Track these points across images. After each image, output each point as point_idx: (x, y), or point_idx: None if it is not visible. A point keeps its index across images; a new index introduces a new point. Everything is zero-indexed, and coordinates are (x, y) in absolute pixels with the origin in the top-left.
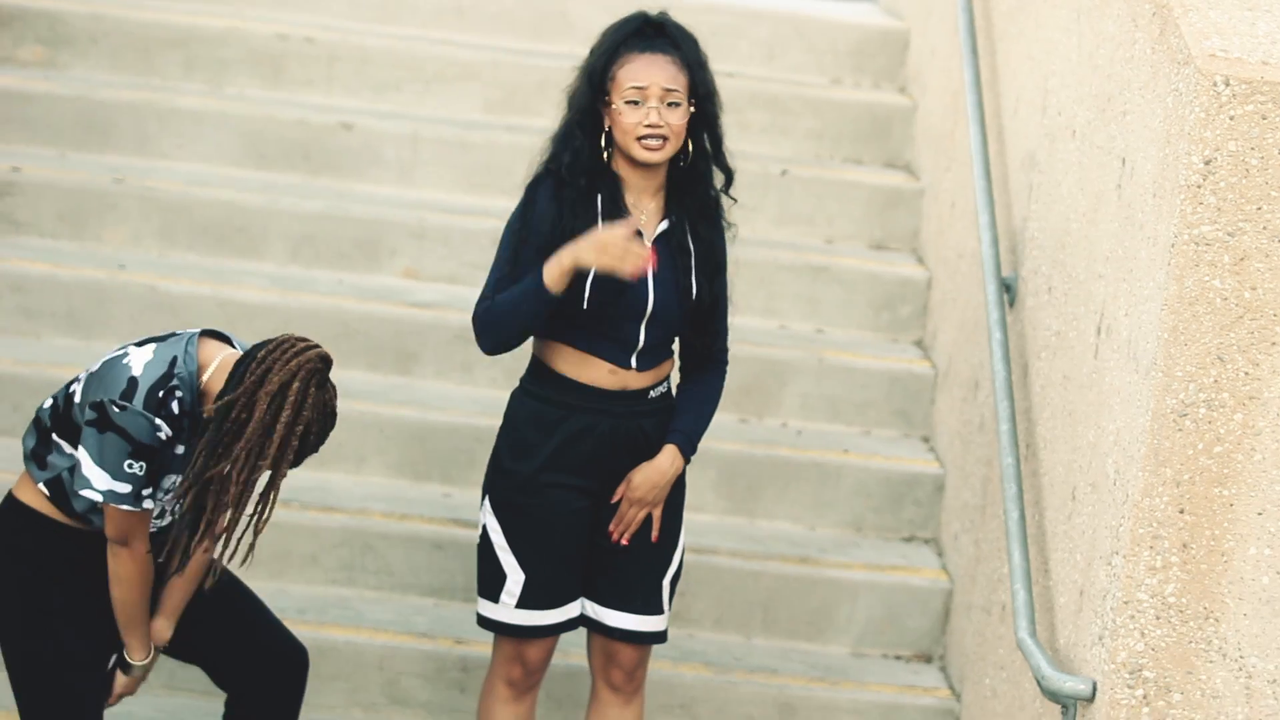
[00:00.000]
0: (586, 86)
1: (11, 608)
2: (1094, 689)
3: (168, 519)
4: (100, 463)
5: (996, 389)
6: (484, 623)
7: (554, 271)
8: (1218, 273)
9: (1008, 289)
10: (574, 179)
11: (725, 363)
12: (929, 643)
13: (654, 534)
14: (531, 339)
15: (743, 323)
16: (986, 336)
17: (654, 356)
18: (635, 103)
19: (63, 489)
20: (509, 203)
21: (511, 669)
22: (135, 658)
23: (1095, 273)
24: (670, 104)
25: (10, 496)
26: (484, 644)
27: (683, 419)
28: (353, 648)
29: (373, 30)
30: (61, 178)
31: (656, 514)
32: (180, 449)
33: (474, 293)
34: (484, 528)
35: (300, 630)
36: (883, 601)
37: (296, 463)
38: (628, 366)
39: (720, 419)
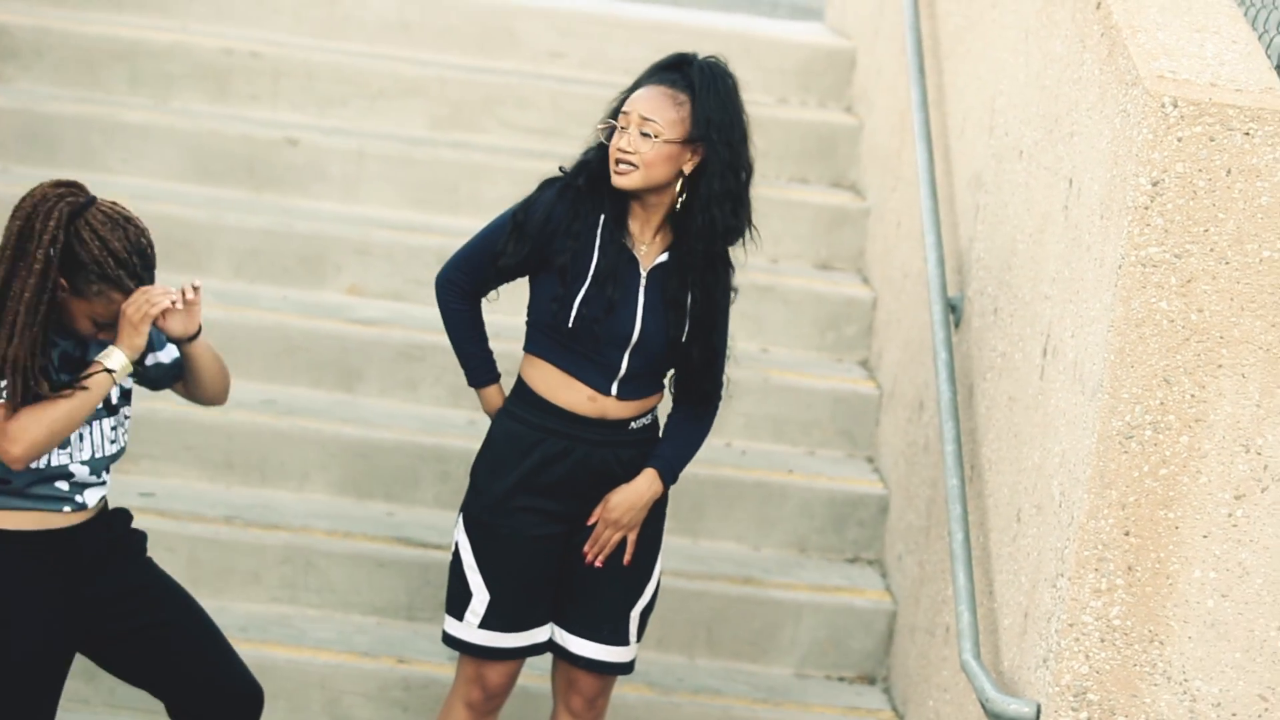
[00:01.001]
0: (613, 108)
1: None
2: (1038, 712)
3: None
4: None
5: (941, 410)
6: (447, 640)
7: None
8: (1165, 294)
9: (953, 309)
10: (577, 183)
11: (718, 402)
12: (873, 664)
13: (627, 557)
14: (521, 358)
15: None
16: (932, 357)
17: (637, 386)
18: (620, 128)
19: None
20: (453, 219)
21: (471, 691)
22: (115, 368)
23: (1041, 294)
24: (643, 133)
25: None
26: (426, 663)
27: (666, 445)
28: (294, 666)
29: (319, 45)
30: (5, 191)
31: (631, 538)
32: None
33: (418, 310)
34: (455, 544)
35: (242, 648)
36: (826, 623)
37: (130, 283)
38: (608, 393)
39: None
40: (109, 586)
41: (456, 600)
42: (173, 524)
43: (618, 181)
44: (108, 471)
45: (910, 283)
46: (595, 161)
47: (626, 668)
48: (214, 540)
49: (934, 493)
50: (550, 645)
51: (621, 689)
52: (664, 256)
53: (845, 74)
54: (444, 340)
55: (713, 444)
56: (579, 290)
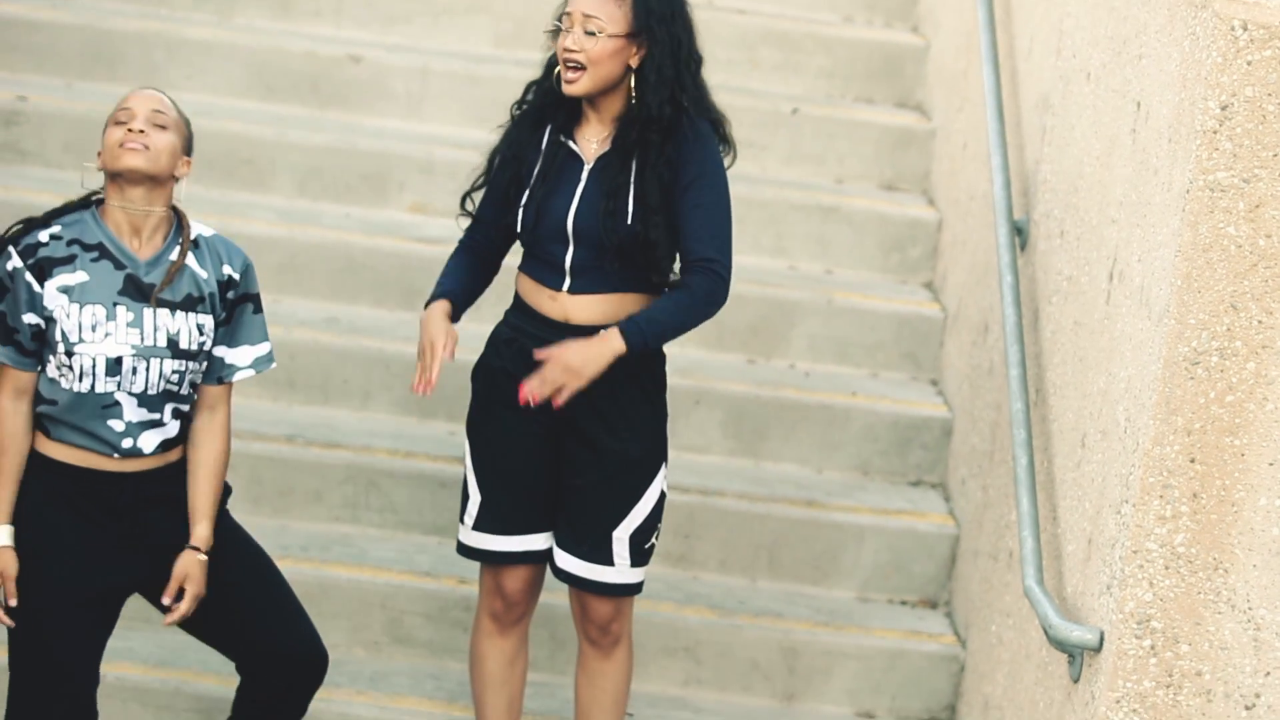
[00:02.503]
0: (557, 14)
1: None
2: (1101, 639)
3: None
4: None
5: (1007, 333)
6: (458, 548)
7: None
8: (1232, 220)
9: (1019, 232)
10: (525, 100)
11: (711, 274)
12: (935, 588)
13: (556, 401)
14: None
15: (752, 262)
16: (997, 280)
17: (588, 281)
18: (564, 30)
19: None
20: None
21: (492, 601)
22: None
23: (1108, 218)
24: (587, 31)
25: None
26: None
27: (645, 317)
28: (356, 586)
29: None
30: (68, 107)
31: (562, 395)
32: (66, 282)
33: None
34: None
35: (303, 568)
36: (889, 546)
37: None
38: (559, 288)
39: (726, 359)
40: (170, 540)
41: (462, 504)
42: (235, 443)
43: (569, 90)
44: (172, 419)
45: (976, 205)
46: (544, 77)
47: (621, 589)
48: (276, 459)
49: (998, 416)
50: (549, 559)
51: (682, 610)
52: (608, 148)
53: None
54: (508, 259)
55: (776, 365)
56: (522, 196)
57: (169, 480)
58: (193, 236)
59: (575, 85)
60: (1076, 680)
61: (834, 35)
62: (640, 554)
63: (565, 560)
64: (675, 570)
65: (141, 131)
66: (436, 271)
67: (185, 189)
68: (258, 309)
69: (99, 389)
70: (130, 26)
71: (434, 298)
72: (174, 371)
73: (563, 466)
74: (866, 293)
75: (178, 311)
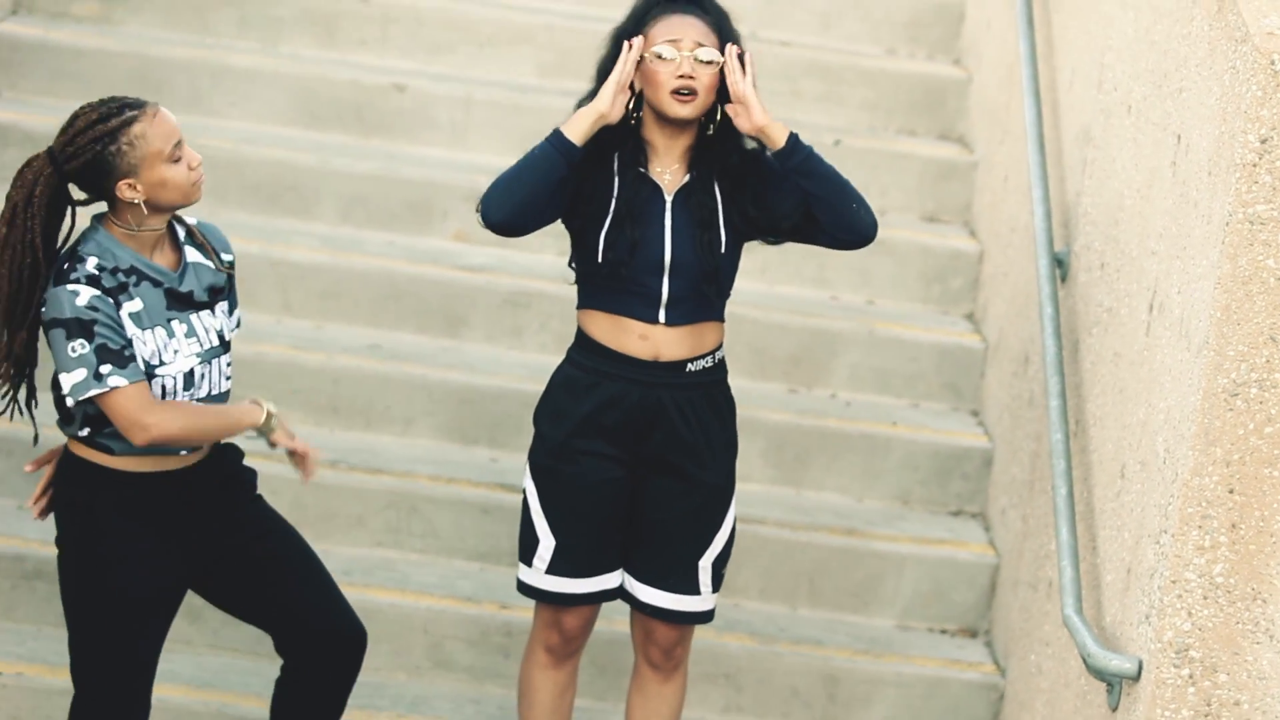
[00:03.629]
0: (615, 50)
1: (67, 559)
2: (1140, 668)
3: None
4: (59, 366)
5: (1047, 364)
6: (521, 587)
7: (575, 122)
8: (1272, 252)
9: (1060, 264)
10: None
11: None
12: (975, 617)
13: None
14: (576, 310)
15: (794, 292)
16: (1038, 311)
17: (685, 311)
18: (666, 57)
19: (92, 424)
20: None
21: (550, 635)
22: (259, 422)
23: (1148, 249)
24: (702, 60)
25: (65, 450)
26: (528, 609)
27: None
28: (397, 610)
29: None
30: None
31: (754, 112)
32: (130, 310)
33: (525, 257)
34: (524, 491)
35: (346, 591)
36: (929, 575)
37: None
38: (656, 320)
39: (768, 388)
40: (218, 523)
41: (526, 547)
42: (278, 467)
43: (681, 110)
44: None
45: (1017, 236)
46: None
47: (700, 617)
48: (319, 484)
49: (1038, 447)
50: (622, 594)
51: (722, 637)
52: (687, 178)
53: (954, 26)
54: (550, 287)
55: (818, 395)
56: (601, 228)
57: (223, 462)
58: (190, 231)
59: (688, 107)
60: (1115, 709)
61: (877, 68)
62: (718, 580)
63: (649, 594)
64: (716, 597)
65: (199, 162)
66: (479, 299)
67: (230, 216)
68: (234, 278)
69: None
70: (176, 54)
71: (557, 137)
72: (227, 364)
73: (643, 501)
74: (908, 323)
75: (212, 309)
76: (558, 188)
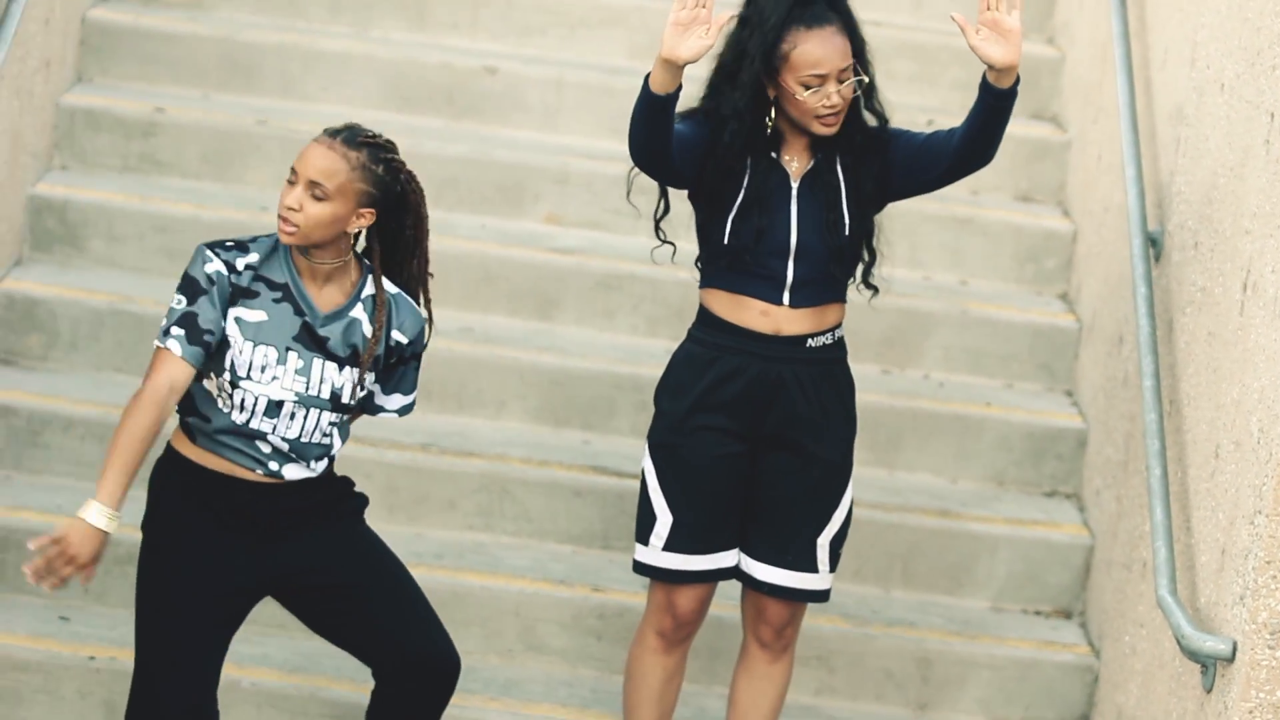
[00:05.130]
0: (760, 62)
1: (144, 549)
2: (1234, 649)
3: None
4: None
5: (1141, 344)
6: (637, 567)
7: (655, 73)
8: None
9: (1154, 244)
10: (733, 139)
11: None
12: (1069, 599)
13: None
14: (699, 289)
15: (886, 272)
16: (1131, 291)
17: (810, 294)
18: (812, 89)
19: (183, 405)
20: None
21: (663, 619)
22: (83, 510)
23: (1242, 228)
24: (843, 82)
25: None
26: (621, 592)
27: None
28: (489, 594)
29: None
30: (205, 119)
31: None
32: (245, 318)
33: (617, 239)
34: (642, 470)
35: (437, 575)
36: (1023, 556)
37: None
38: (779, 303)
39: (861, 369)
40: (302, 545)
41: (643, 526)
42: (370, 451)
43: (829, 133)
44: (317, 461)
45: (1111, 216)
46: (750, 126)
47: (815, 595)
48: (411, 467)
49: (1132, 427)
50: (737, 573)
51: (816, 619)
52: (811, 164)
53: (1047, 5)
54: (642, 269)
55: (910, 376)
56: (730, 212)
57: (309, 493)
58: (379, 293)
59: (835, 127)
60: (1209, 690)
61: (968, 47)
62: (835, 559)
63: (766, 571)
64: (832, 578)
65: (293, 209)
66: (571, 282)
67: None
68: (419, 364)
69: (254, 425)
70: (267, 39)
71: (645, 86)
72: (330, 423)
73: (761, 477)
74: (1001, 303)
75: (345, 367)
76: (665, 133)
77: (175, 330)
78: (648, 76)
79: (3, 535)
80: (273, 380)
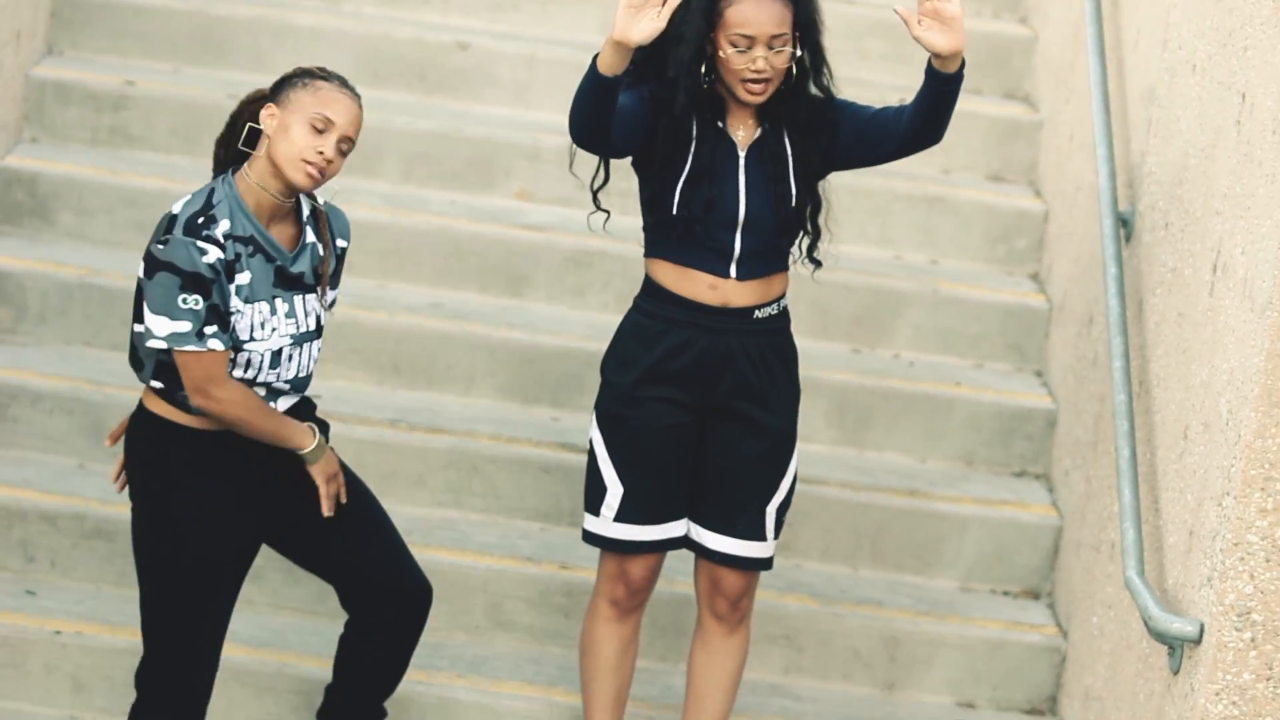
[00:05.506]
0: (699, 19)
1: (140, 516)
2: (1201, 631)
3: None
4: (156, 308)
5: (1110, 325)
6: (587, 537)
7: (604, 55)
8: None
9: (1124, 224)
10: (673, 100)
11: None
12: (1037, 579)
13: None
14: (643, 258)
15: (857, 252)
16: (1102, 271)
17: (756, 265)
18: (740, 49)
19: (170, 379)
20: None
21: (615, 588)
22: (306, 447)
23: (1212, 209)
24: (775, 50)
25: (139, 405)
26: (589, 569)
27: None
28: (457, 570)
29: None
30: (176, 92)
31: (949, 14)
32: (239, 283)
33: (587, 216)
34: (590, 441)
35: None
36: (992, 536)
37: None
38: (727, 275)
39: (831, 348)
40: (289, 474)
41: (593, 496)
42: (339, 426)
43: (753, 100)
44: (304, 391)
45: (1082, 196)
46: (691, 86)
47: (765, 564)
48: (379, 443)
49: (1102, 408)
50: (687, 542)
51: (784, 598)
52: (758, 133)
53: None
54: (613, 246)
55: (880, 355)
56: (677, 182)
57: (297, 417)
58: (315, 212)
59: (761, 96)
60: (1176, 672)
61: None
62: (779, 527)
63: (716, 540)
64: (777, 558)
65: (329, 160)
66: (542, 258)
67: None
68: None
69: (261, 378)
70: (239, 12)
71: (593, 66)
72: (317, 349)
73: (710, 448)
74: (972, 283)
75: (314, 291)
76: (609, 113)
77: (209, 329)
78: (595, 57)
79: None
80: (272, 333)
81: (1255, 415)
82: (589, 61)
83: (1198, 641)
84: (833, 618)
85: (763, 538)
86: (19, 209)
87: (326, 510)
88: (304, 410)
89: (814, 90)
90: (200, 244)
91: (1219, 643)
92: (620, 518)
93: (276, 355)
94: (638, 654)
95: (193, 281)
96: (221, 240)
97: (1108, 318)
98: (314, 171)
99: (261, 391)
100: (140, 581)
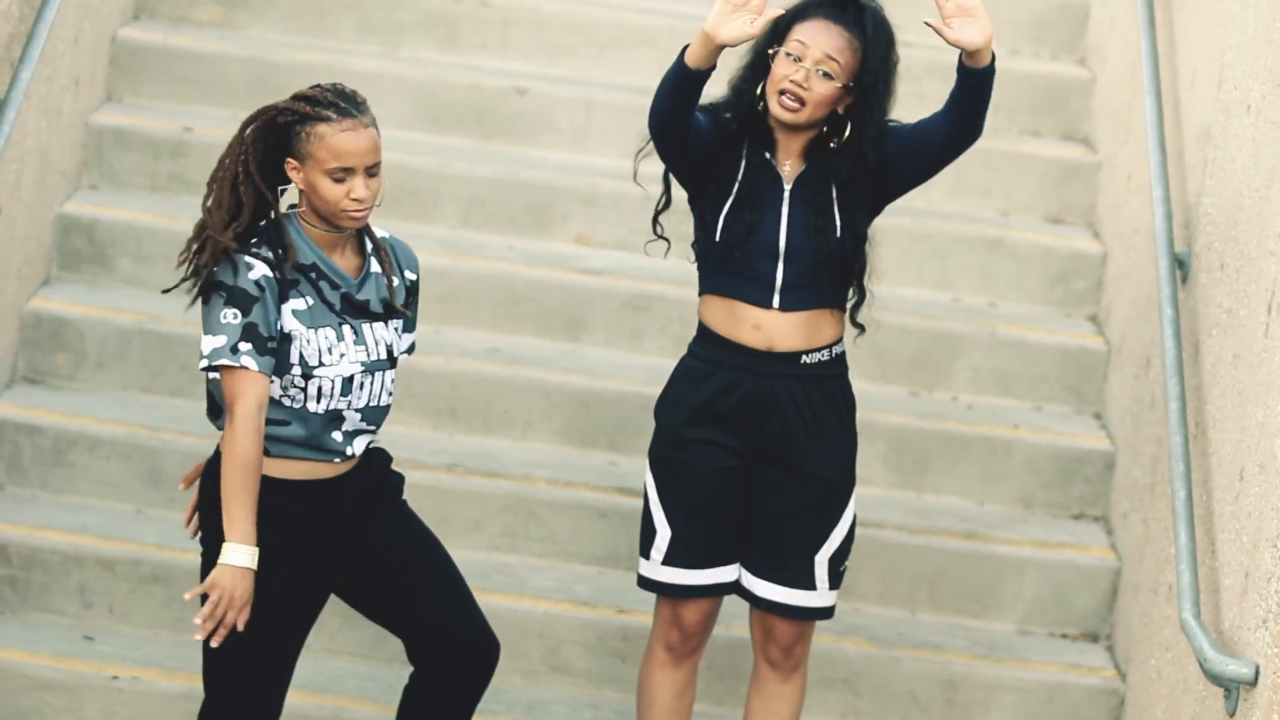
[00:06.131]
0: (770, 31)
1: (211, 562)
2: (1257, 673)
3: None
4: (206, 329)
5: (1166, 366)
6: (640, 581)
7: (693, 46)
8: None
9: (1181, 265)
10: (725, 111)
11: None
12: (1096, 622)
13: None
14: (698, 296)
15: (915, 294)
16: (1158, 313)
17: (800, 297)
18: (794, 58)
19: None
20: None
21: (669, 633)
22: (228, 539)
23: (1267, 250)
24: (824, 73)
25: (217, 450)
26: (646, 613)
27: None
28: (514, 615)
29: None
30: (230, 137)
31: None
32: (299, 308)
33: (645, 261)
34: (644, 484)
35: None
36: (1050, 579)
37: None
38: (770, 305)
39: (889, 391)
40: (364, 529)
41: (645, 540)
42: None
43: (783, 114)
44: (379, 425)
45: (1140, 238)
46: (748, 94)
47: (819, 613)
48: (436, 488)
49: (1160, 450)
50: (739, 589)
51: (841, 642)
52: (804, 167)
53: (1079, 26)
54: (670, 290)
55: (939, 398)
56: (722, 209)
57: (371, 466)
58: (376, 241)
59: (793, 115)
60: (1233, 714)
61: (1000, 67)
62: (836, 577)
63: (765, 588)
64: (836, 596)
65: (364, 200)
66: (599, 303)
67: None
68: (418, 297)
69: (333, 407)
70: (297, 58)
71: (680, 59)
72: (391, 380)
73: (758, 494)
74: (1030, 325)
75: (386, 321)
76: (688, 109)
77: (244, 346)
78: (684, 49)
79: (28, 554)
80: (340, 358)
81: None
82: (646, 106)
83: (1253, 683)
84: (890, 661)
85: (812, 586)
86: (78, 255)
87: (198, 634)
88: (380, 461)
89: (872, 156)
90: (248, 259)
91: (1275, 684)
92: (668, 561)
93: (348, 382)
94: (695, 698)
95: (235, 296)
96: (272, 258)
97: (1164, 359)
98: (356, 214)
99: (335, 432)
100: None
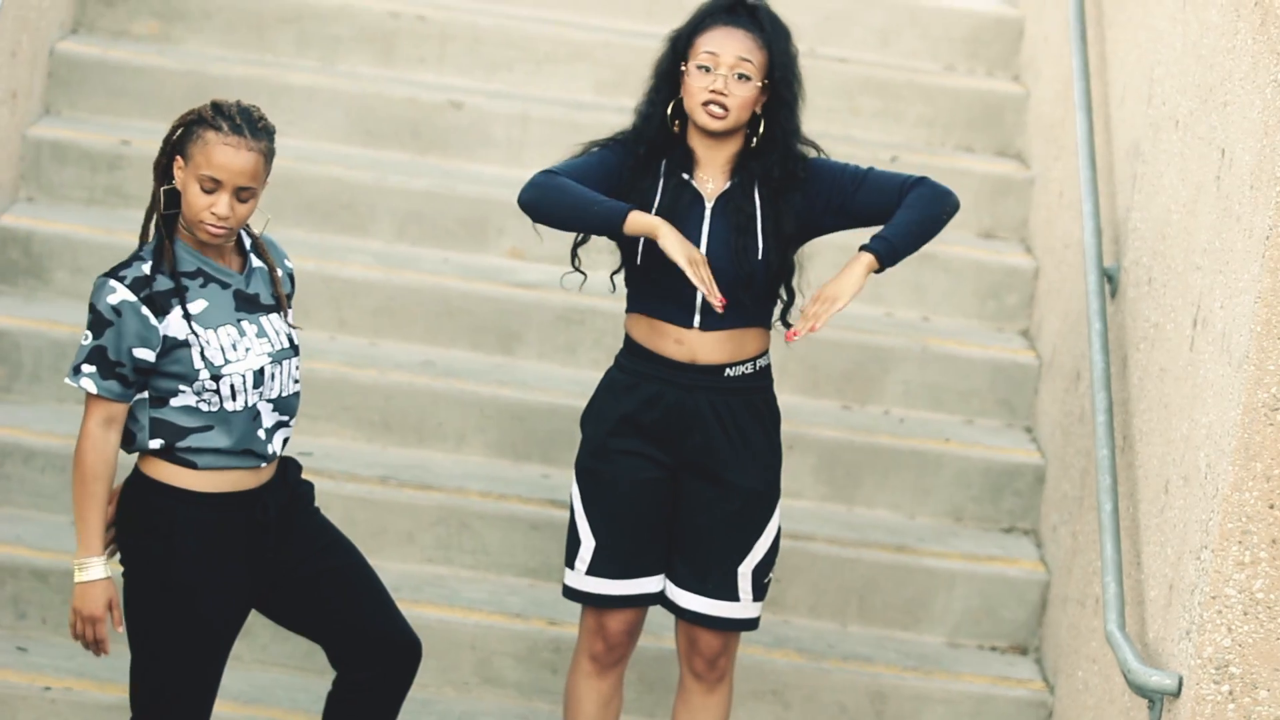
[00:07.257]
0: (669, 52)
1: (137, 583)
2: (1180, 684)
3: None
4: None
5: (1094, 380)
6: (565, 591)
7: (639, 222)
8: None
9: (1110, 279)
10: (640, 142)
11: (923, 181)
12: (1025, 634)
13: (814, 327)
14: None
15: (848, 309)
16: (1088, 327)
17: (719, 319)
18: (706, 69)
19: (166, 432)
20: None
21: (594, 642)
22: (78, 557)
23: (1193, 264)
24: (740, 75)
25: (134, 472)
26: (577, 626)
27: (885, 229)
28: (446, 626)
29: (485, 9)
30: None
31: (822, 320)
32: (195, 311)
33: (560, 275)
34: (570, 494)
35: None
36: (980, 592)
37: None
38: (690, 325)
39: (821, 405)
40: (283, 539)
41: (570, 550)
42: (329, 483)
43: (710, 124)
44: (293, 416)
45: (1071, 252)
46: (657, 118)
47: (743, 624)
48: (369, 500)
49: (1089, 463)
50: (663, 600)
51: (771, 654)
52: (728, 184)
53: (1013, 42)
54: (604, 304)
55: (870, 411)
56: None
57: (286, 476)
58: (256, 241)
59: (720, 122)
60: None
61: (934, 84)
62: (760, 589)
63: (687, 599)
64: (765, 614)
65: (225, 218)
66: (534, 317)
67: (286, 233)
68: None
69: (249, 402)
70: (234, 72)
71: (620, 211)
72: (296, 368)
73: (682, 505)
74: (962, 340)
75: (281, 313)
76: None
77: (86, 368)
78: (626, 209)
79: None
80: (247, 352)
81: (1232, 469)
82: (587, 119)
83: (1177, 695)
84: (820, 673)
85: (735, 598)
86: (14, 268)
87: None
88: (293, 470)
89: (796, 149)
90: (112, 283)
91: (1197, 695)
92: (593, 570)
93: (260, 375)
94: (621, 709)
95: (93, 319)
96: (145, 275)
97: (1092, 373)
98: (213, 229)
99: (259, 430)
100: (134, 648)
